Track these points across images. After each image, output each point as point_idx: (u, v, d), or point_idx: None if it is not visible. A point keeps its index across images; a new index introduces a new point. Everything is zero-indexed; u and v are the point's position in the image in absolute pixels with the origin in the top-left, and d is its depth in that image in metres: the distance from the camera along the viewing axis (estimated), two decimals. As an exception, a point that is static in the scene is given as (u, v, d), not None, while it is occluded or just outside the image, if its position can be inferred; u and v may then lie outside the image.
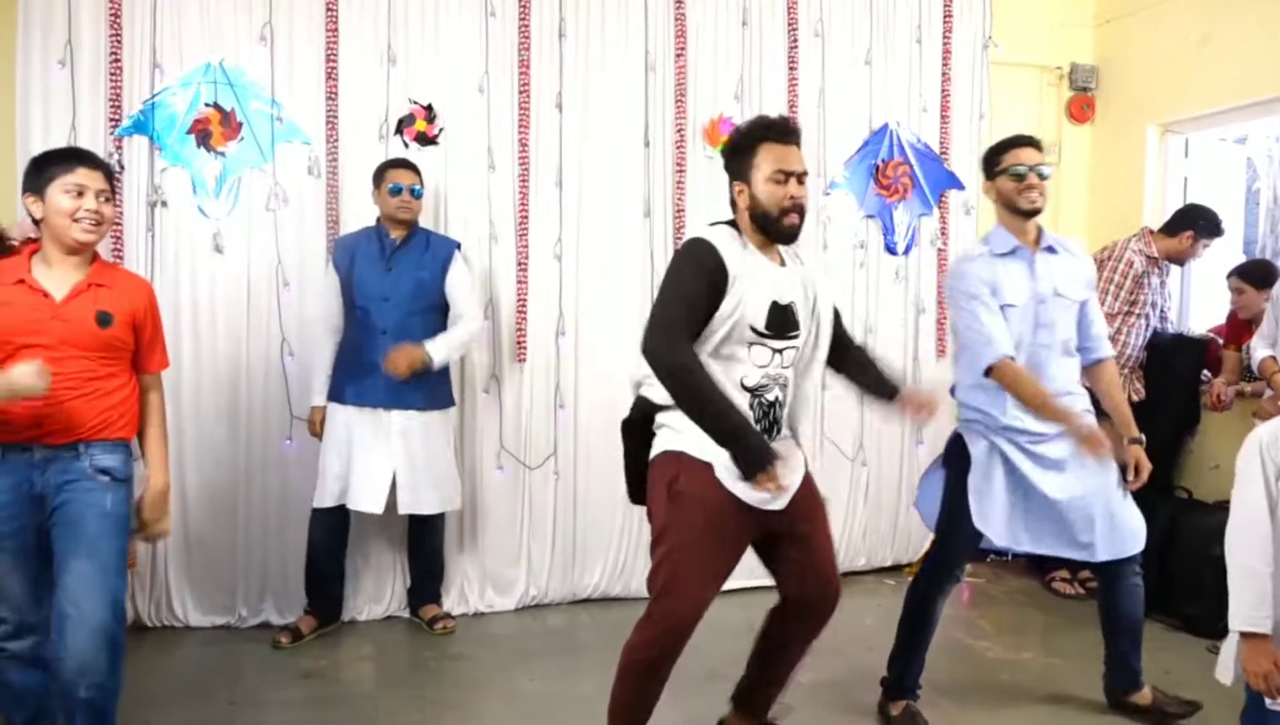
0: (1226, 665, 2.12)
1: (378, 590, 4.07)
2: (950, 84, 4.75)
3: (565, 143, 4.19)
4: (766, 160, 2.44)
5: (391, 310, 3.68)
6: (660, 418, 2.52)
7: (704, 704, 3.22)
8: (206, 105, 3.82)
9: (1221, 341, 4.46)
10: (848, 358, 2.77)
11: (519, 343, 4.18)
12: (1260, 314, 3.95)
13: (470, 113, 4.08)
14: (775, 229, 2.48)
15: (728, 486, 2.41)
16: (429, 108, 4.02)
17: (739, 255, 2.44)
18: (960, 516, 3.01)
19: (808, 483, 2.61)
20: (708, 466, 2.41)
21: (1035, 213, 2.99)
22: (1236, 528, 2.12)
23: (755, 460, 2.30)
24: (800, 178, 2.47)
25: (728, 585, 4.60)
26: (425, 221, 3.97)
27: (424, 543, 3.95)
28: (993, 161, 3.03)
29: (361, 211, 3.88)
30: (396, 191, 3.69)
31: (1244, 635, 2.07)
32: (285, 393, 3.92)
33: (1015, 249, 2.99)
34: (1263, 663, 1.99)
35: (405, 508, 3.74)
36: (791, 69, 4.49)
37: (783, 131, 2.48)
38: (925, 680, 3.24)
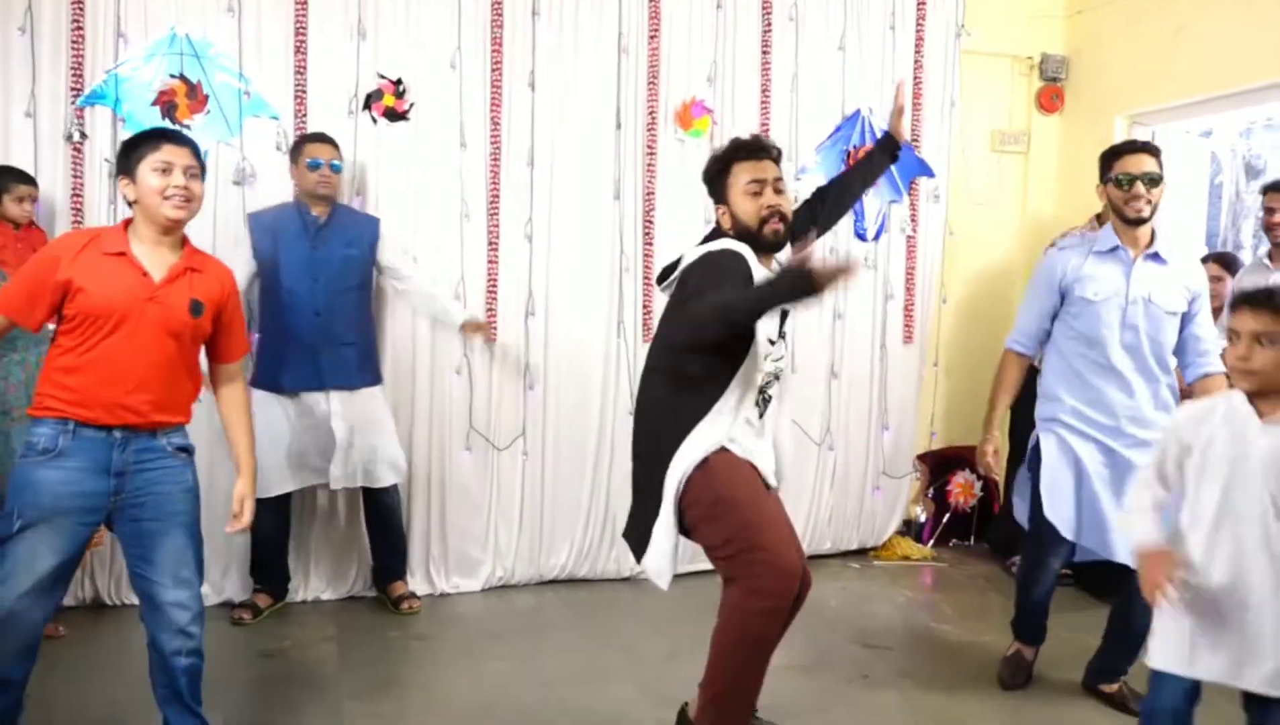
0: (1156, 650, 2.19)
1: (339, 570, 4.05)
2: (923, 71, 4.76)
3: (537, 122, 4.16)
4: (740, 176, 2.55)
5: (321, 290, 3.64)
6: (674, 464, 2.51)
7: (665, 683, 3.24)
8: (172, 77, 3.75)
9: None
10: (836, 191, 2.99)
11: (489, 322, 4.16)
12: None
13: (442, 89, 4.04)
14: (760, 240, 2.55)
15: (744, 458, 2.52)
16: (398, 82, 3.97)
17: (757, 268, 2.52)
18: (1039, 510, 3.13)
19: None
20: (724, 450, 2.48)
21: (1140, 222, 3.02)
22: (1135, 486, 2.29)
23: (794, 283, 2.20)
24: (776, 186, 2.54)
25: (688, 568, 4.67)
26: (401, 199, 3.94)
27: (385, 518, 3.91)
28: (1106, 166, 3.09)
29: (329, 188, 3.82)
30: (315, 166, 3.62)
31: (1142, 556, 2.15)
32: (249, 372, 3.86)
33: (1115, 248, 3.07)
34: (1157, 575, 2.05)
35: (362, 481, 3.76)
36: (765, 53, 4.49)
37: (752, 149, 2.59)
38: (889, 663, 3.28)
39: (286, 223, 3.66)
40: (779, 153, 2.69)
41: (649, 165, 4.33)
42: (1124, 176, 3.00)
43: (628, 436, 4.27)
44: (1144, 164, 3.00)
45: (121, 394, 2.34)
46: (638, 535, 2.59)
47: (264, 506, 3.62)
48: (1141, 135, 4.93)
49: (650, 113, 4.32)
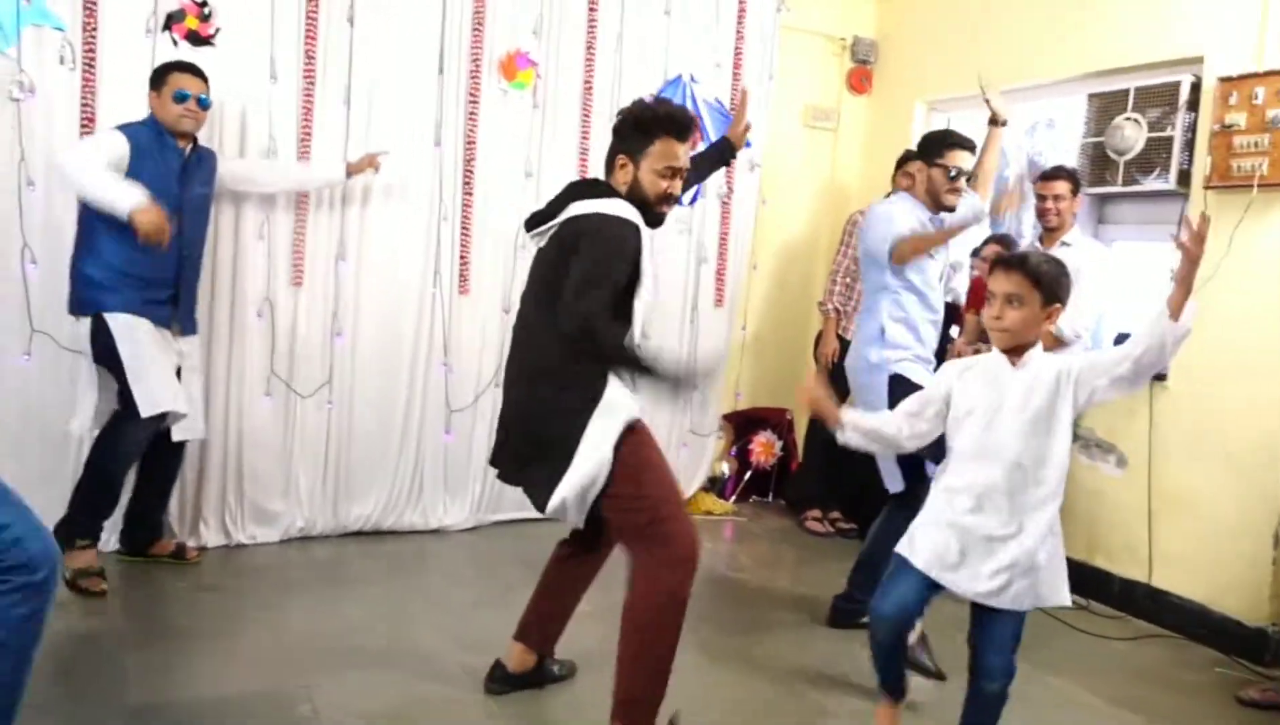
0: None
1: (112, 521, 3.64)
2: (744, 42, 4.90)
3: (355, 59, 4.00)
4: (661, 153, 2.54)
5: (187, 229, 3.44)
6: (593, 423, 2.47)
7: (472, 630, 3.26)
8: (-63, -27, 3.38)
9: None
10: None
11: (295, 265, 4.00)
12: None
13: (251, 16, 3.81)
14: (650, 215, 2.60)
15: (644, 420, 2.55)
16: (203, 4, 3.72)
17: (645, 239, 2.56)
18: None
19: None
20: (636, 420, 2.50)
21: (951, 209, 3.44)
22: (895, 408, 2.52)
23: (687, 383, 2.42)
24: (681, 173, 2.60)
25: (499, 516, 4.68)
26: (201, 131, 3.71)
27: (172, 474, 3.69)
28: (935, 151, 3.39)
29: (122, 110, 3.53)
30: (182, 98, 3.38)
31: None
32: (26, 304, 3.57)
33: (932, 219, 3.46)
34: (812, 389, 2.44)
35: (189, 434, 3.59)
36: (591, 10, 4.49)
37: (683, 130, 2.56)
38: (690, 609, 3.43)
39: (155, 149, 3.36)
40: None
41: (471, 113, 4.26)
42: (954, 169, 3.36)
43: (439, 387, 4.31)
44: (967, 161, 3.39)
45: None
46: (545, 489, 2.50)
47: (144, 425, 3.37)
48: (938, 122, 5.29)
49: (474, 60, 4.25)
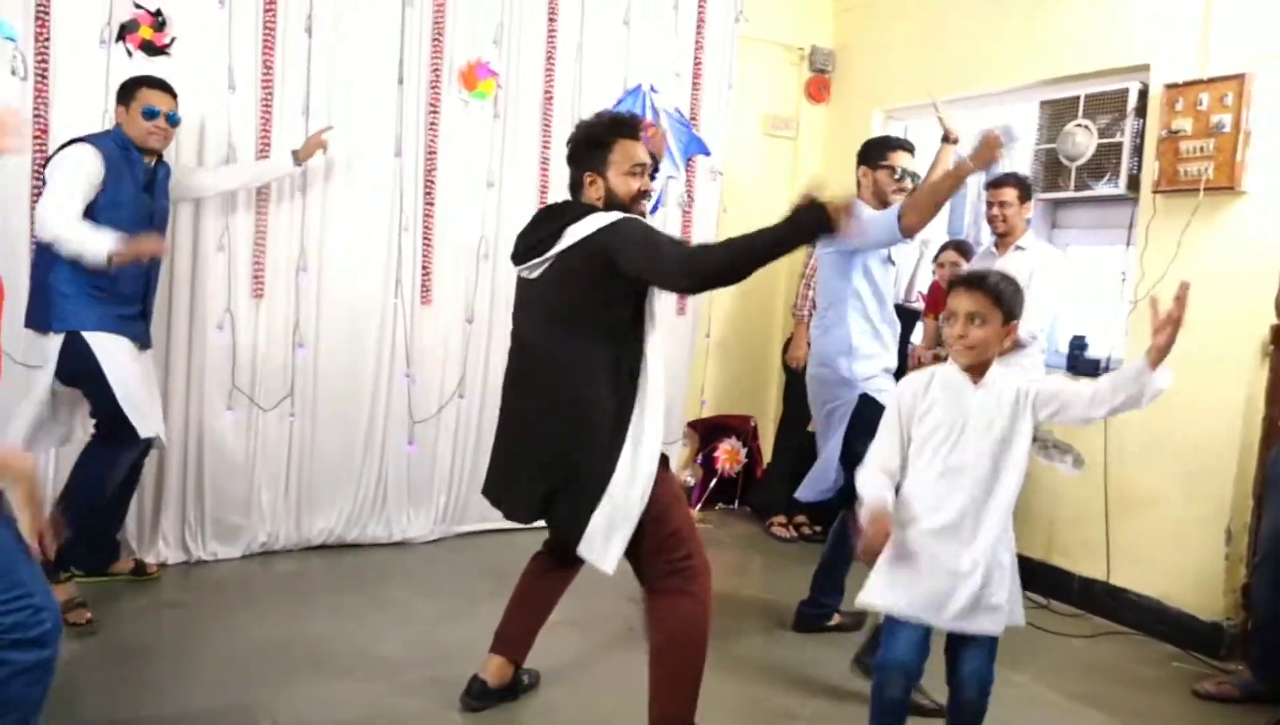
0: (871, 591, 2.38)
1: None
2: (703, 52, 4.94)
3: (314, 70, 3.99)
4: (622, 155, 2.58)
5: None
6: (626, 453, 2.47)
7: (438, 643, 3.25)
8: (-118, -17, 3.32)
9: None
10: None
11: (256, 277, 3.96)
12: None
13: (208, 26, 3.79)
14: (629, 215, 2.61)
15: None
16: (156, 14, 3.69)
17: None
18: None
19: None
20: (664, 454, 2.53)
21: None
22: (874, 445, 2.44)
23: (815, 218, 2.33)
24: (647, 169, 2.64)
25: (463, 528, 4.66)
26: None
27: (131, 491, 3.62)
28: (878, 155, 3.49)
29: (75, 121, 3.50)
30: (152, 115, 3.33)
31: (869, 514, 2.30)
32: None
33: None
34: (877, 537, 2.24)
35: (157, 447, 3.58)
36: (551, 20, 4.50)
37: (634, 129, 2.64)
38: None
39: (121, 162, 3.29)
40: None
41: (431, 124, 4.26)
42: (899, 169, 3.47)
43: (401, 398, 4.28)
44: (910, 162, 3.51)
45: None
46: (578, 522, 2.48)
47: (136, 447, 3.37)
48: (895, 130, 5.36)
49: (434, 70, 4.24)
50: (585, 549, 2.47)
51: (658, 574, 2.51)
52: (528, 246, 2.58)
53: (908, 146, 3.54)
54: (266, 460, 4.07)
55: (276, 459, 4.10)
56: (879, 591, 2.34)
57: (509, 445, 2.64)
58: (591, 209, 2.54)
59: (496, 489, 2.69)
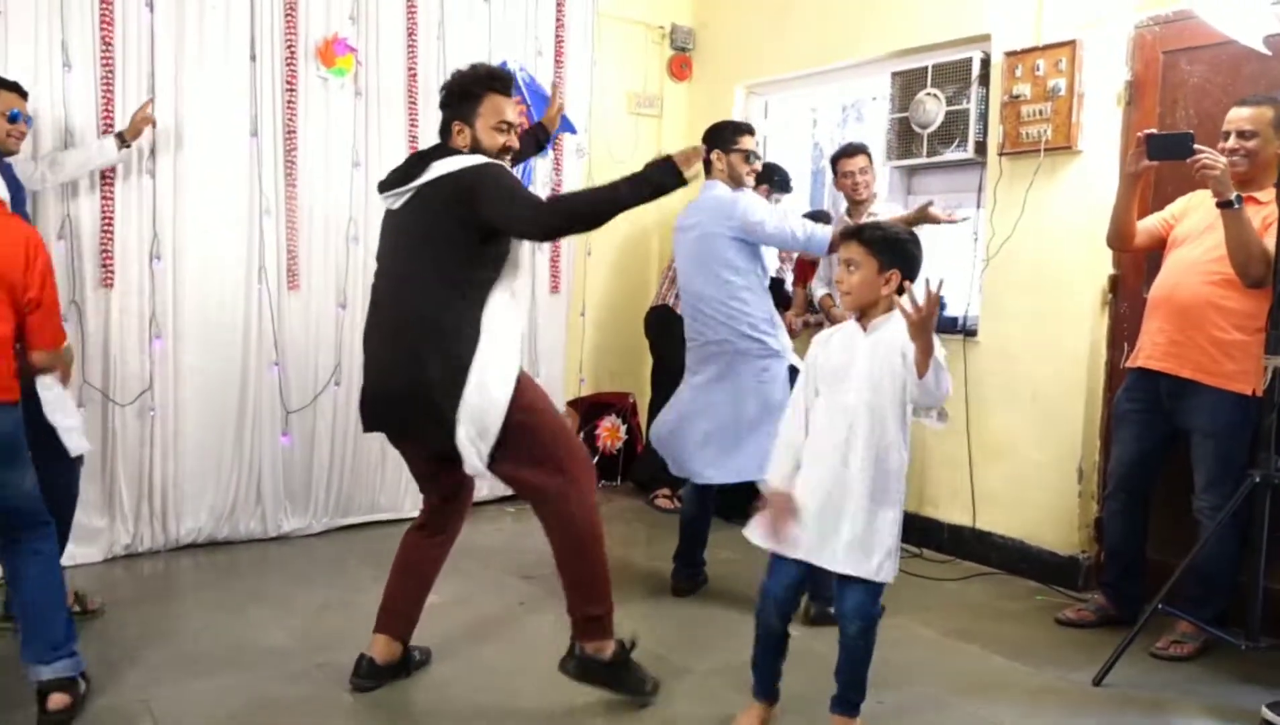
0: (753, 528, 2.50)
1: None
2: (564, 30, 4.94)
3: (158, 45, 3.80)
4: (491, 110, 2.66)
5: None
6: (473, 376, 2.53)
7: (322, 631, 3.16)
8: None
9: (791, 280, 5.10)
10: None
11: (105, 265, 3.75)
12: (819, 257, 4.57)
13: (37, 1, 3.56)
14: None
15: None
16: (-19, -13, 3.45)
17: None
18: None
19: None
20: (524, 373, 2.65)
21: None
22: (784, 418, 2.58)
23: (667, 171, 2.52)
24: (516, 128, 2.72)
25: (348, 520, 4.54)
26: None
27: None
28: (730, 139, 3.55)
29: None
30: (14, 119, 3.11)
31: (771, 496, 2.46)
32: None
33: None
34: (781, 520, 2.40)
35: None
36: (410, -3, 4.42)
37: (505, 85, 2.72)
38: (545, 590, 3.42)
39: None
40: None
41: (289, 101, 4.12)
42: (749, 152, 3.58)
43: (272, 388, 4.13)
44: (752, 143, 3.61)
45: None
46: (445, 430, 2.52)
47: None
48: (756, 105, 5.49)
49: (289, 47, 4.10)
50: (462, 453, 2.53)
51: (539, 484, 2.60)
52: (394, 178, 2.69)
53: (752, 130, 3.68)
54: (126, 458, 3.86)
55: (136, 457, 3.89)
56: (755, 528, 2.49)
57: (373, 374, 2.72)
58: (459, 152, 2.64)
59: (370, 419, 2.75)
